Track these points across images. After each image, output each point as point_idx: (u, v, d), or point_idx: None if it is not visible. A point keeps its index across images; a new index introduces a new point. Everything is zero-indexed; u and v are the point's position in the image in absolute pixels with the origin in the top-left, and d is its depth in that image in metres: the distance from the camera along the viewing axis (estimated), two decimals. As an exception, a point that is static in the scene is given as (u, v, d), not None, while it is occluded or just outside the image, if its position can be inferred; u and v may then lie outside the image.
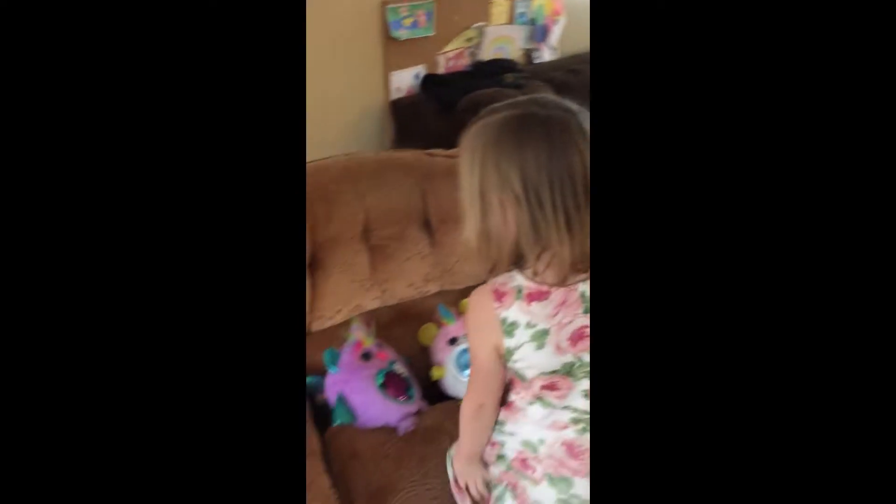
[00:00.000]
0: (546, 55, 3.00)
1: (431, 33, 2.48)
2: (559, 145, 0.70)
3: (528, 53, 2.92)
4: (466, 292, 1.56)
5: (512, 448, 0.93)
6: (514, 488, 0.93)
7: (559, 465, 0.87)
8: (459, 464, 1.01)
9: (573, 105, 0.73)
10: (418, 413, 1.31)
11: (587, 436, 0.85)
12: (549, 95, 0.79)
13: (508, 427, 0.93)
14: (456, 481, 1.04)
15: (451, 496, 1.11)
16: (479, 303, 0.83)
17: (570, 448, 0.86)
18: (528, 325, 0.78)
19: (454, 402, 1.32)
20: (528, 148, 0.70)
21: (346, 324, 1.43)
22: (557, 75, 2.73)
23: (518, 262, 0.78)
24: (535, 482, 0.89)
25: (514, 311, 0.78)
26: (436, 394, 1.38)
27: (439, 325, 1.45)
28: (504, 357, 0.82)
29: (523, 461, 0.91)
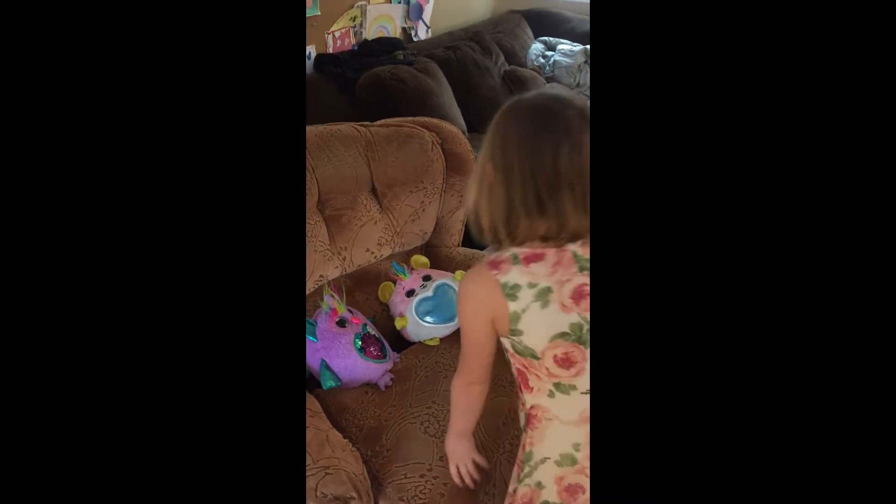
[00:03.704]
0: (422, 32, 3.09)
1: (317, 13, 2.47)
2: (564, 137, 0.73)
3: (405, 31, 3.00)
4: (413, 252, 1.65)
5: (550, 477, 0.87)
6: None
7: None
8: (449, 443, 1.00)
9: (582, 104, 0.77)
10: (393, 366, 1.41)
11: None
12: (565, 92, 0.82)
13: (536, 454, 0.87)
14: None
15: (434, 417, 1.25)
16: (475, 275, 0.83)
17: None
18: (530, 285, 0.78)
19: (419, 345, 1.48)
20: (544, 140, 0.74)
21: (312, 295, 1.45)
22: (438, 52, 2.85)
23: (497, 235, 0.80)
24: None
25: (514, 275, 0.78)
26: (401, 342, 1.50)
27: (395, 281, 1.53)
28: (510, 329, 0.80)
29: (569, 487, 0.85)
